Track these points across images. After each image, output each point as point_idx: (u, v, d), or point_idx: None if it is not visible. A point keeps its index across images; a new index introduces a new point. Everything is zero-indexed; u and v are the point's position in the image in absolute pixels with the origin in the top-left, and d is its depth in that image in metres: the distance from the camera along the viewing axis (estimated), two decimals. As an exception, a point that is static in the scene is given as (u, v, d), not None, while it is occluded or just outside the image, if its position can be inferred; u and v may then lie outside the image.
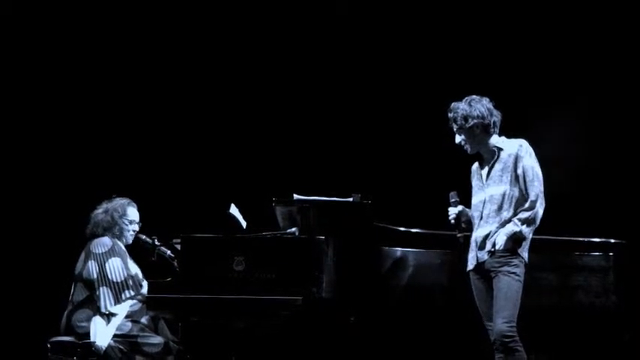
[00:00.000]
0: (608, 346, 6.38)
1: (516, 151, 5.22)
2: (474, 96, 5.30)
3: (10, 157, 7.71)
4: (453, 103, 5.32)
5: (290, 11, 7.80)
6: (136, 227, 6.05)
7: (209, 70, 7.87)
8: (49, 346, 5.79)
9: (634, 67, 7.48)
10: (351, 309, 5.96)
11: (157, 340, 5.79)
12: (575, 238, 6.17)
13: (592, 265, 6.06)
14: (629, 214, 7.19)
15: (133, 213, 6.05)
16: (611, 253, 6.09)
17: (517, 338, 5.07)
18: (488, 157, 5.31)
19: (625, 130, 7.51)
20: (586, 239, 6.17)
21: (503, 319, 5.06)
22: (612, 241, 6.15)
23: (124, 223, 5.99)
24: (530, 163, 5.19)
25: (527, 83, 7.54)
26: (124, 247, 5.97)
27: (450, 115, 5.31)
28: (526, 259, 5.20)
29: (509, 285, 5.11)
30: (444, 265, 6.00)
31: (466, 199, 5.40)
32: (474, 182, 5.40)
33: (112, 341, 5.70)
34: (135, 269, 5.94)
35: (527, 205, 5.15)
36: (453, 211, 5.33)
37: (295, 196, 5.77)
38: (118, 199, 6.06)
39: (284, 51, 7.85)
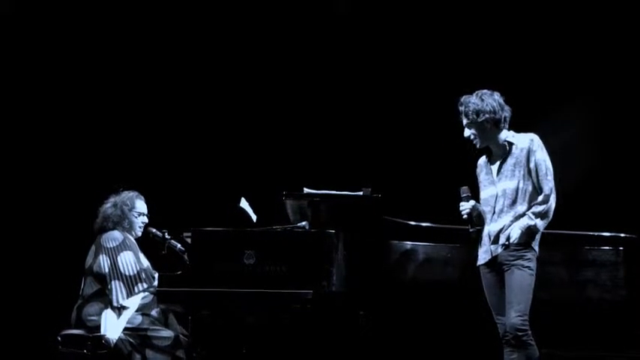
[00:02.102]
0: (618, 340, 6.37)
1: (528, 145, 5.21)
2: (484, 90, 5.29)
3: (21, 152, 7.73)
4: (463, 97, 5.30)
5: (293, 11, 7.81)
6: (145, 219, 6.06)
7: (217, 65, 7.87)
8: (59, 339, 5.81)
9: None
10: (361, 302, 5.96)
11: (167, 333, 5.80)
12: (585, 233, 6.15)
13: (602, 260, 6.05)
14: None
15: (141, 205, 6.06)
16: (621, 248, 6.08)
17: (530, 332, 5.07)
18: (499, 151, 5.31)
19: (635, 124, 7.50)
20: (596, 233, 6.16)
21: (516, 313, 5.06)
22: (622, 235, 6.14)
23: (133, 215, 6.00)
24: (543, 156, 5.19)
25: (535, 78, 7.53)
26: (134, 241, 5.98)
27: (461, 108, 5.29)
28: (537, 253, 5.20)
29: (523, 278, 5.11)
30: (454, 258, 5.99)
31: (475, 194, 5.39)
32: (483, 177, 5.38)
33: (122, 334, 5.71)
34: (146, 262, 5.95)
35: (541, 198, 5.15)
36: (466, 206, 5.32)
37: (305, 190, 5.77)
38: (125, 192, 6.07)
39: (294, 47, 7.85)
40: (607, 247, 6.10)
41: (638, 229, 6.23)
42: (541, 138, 5.28)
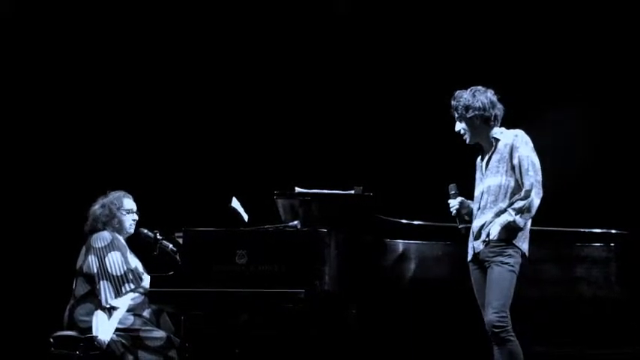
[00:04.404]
0: (611, 336, 6.39)
1: (512, 141, 5.20)
2: (479, 87, 5.29)
3: (12, 154, 7.71)
4: (457, 91, 5.32)
5: (289, 10, 7.80)
6: (135, 216, 6.05)
7: (210, 64, 7.86)
8: (52, 340, 5.80)
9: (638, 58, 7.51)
10: (353, 301, 5.96)
11: (160, 334, 5.80)
12: (576, 229, 6.17)
13: (594, 256, 6.07)
14: (631, 205, 7.19)
15: (129, 203, 6.05)
16: (612, 244, 6.10)
17: (508, 328, 5.03)
18: (488, 148, 5.31)
19: (626, 121, 7.52)
20: (587, 230, 6.17)
21: (493, 310, 5.04)
22: (614, 231, 6.16)
23: (122, 214, 6.00)
24: (526, 152, 5.17)
25: (529, 76, 7.54)
26: (123, 241, 5.98)
27: (453, 102, 5.30)
28: (524, 250, 5.17)
29: (501, 275, 5.09)
30: (446, 256, 6.00)
31: (469, 191, 5.40)
32: (477, 174, 5.40)
33: (114, 335, 5.70)
34: (135, 262, 5.94)
35: (522, 194, 5.13)
36: (453, 203, 5.34)
37: (297, 189, 5.77)
38: (113, 192, 6.07)
39: (284, 45, 7.84)
40: (598, 244, 6.11)
41: (629, 225, 6.25)
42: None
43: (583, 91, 7.45)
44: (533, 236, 5.26)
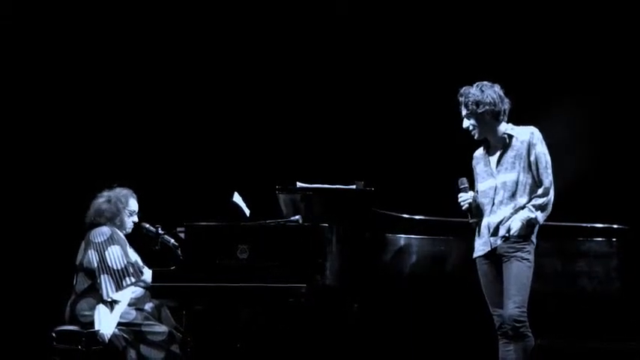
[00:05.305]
0: (612, 330, 6.39)
1: (529, 138, 5.22)
2: (485, 82, 5.28)
3: (13, 147, 7.71)
4: (463, 88, 5.30)
5: (288, 7, 7.80)
6: (135, 219, 6.06)
7: (211, 60, 7.85)
8: (54, 335, 5.81)
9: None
10: (354, 296, 5.97)
11: (162, 329, 5.80)
12: (578, 224, 6.17)
13: (595, 251, 6.07)
14: (632, 200, 7.19)
15: (133, 204, 6.06)
16: (614, 239, 6.10)
17: (527, 324, 5.08)
18: (497, 144, 5.29)
19: (627, 116, 7.51)
20: (589, 225, 6.17)
21: (515, 304, 5.06)
22: (615, 226, 6.16)
23: (125, 213, 6.00)
24: (542, 150, 5.21)
25: (530, 72, 7.53)
26: (122, 236, 5.98)
27: (461, 99, 5.28)
28: (535, 245, 5.20)
29: (522, 271, 5.12)
30: (448, 251, 6.00)
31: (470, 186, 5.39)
32: (480, 168, 5.37)
33: (116, 330, 5.71)
34: (135, 257, 5.95)
35: (541, 191, 5.16)
36: (465, 197, 5.29)
37: (298, 184, 5.78)
38: (119, 188, 6.07)
39: (285, 41, 7.84)
40: (600, 239, 6.12)
41: (631, 220, 6.24)
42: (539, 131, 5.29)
43: (585, 86, 7.44)
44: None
